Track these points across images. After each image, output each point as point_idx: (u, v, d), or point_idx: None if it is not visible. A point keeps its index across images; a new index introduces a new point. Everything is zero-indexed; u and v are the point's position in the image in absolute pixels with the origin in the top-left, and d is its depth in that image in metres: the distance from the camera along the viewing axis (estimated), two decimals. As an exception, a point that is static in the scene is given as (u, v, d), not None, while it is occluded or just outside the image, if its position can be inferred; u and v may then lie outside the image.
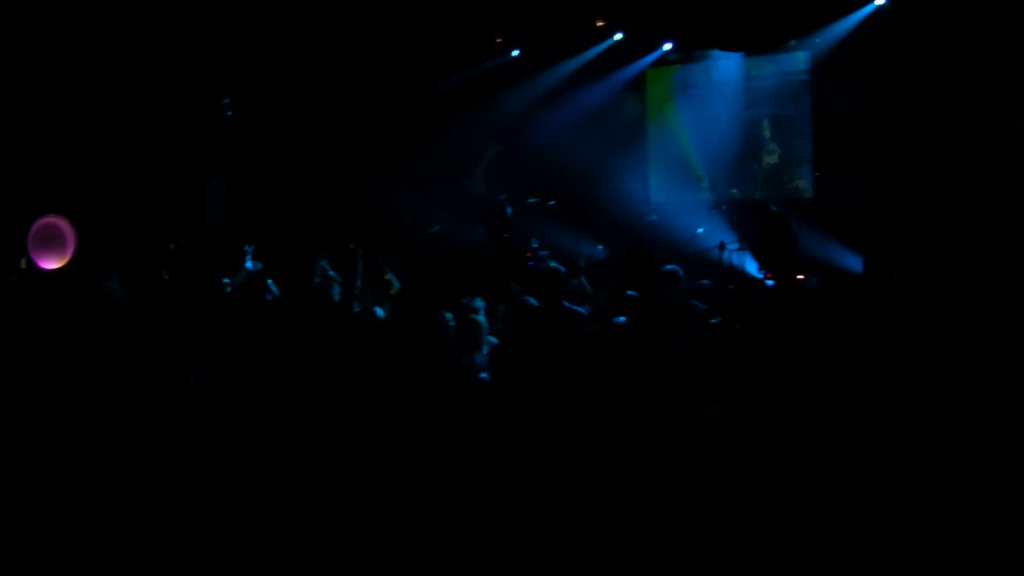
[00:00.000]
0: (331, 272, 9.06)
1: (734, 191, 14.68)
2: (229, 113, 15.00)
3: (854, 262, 12.37)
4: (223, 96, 15.08)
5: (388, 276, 8.78)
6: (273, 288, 8.43)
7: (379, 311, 7.55)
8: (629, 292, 7.11)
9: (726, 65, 14.79)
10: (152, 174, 14.27)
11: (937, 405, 5.38)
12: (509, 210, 14.66)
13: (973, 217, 11.49)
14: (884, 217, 12.37)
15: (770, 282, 11.10)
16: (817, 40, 13.71)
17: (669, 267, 8.51)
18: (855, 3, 13.02)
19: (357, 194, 15.26)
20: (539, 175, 15.64)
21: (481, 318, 6.84)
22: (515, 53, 15.84)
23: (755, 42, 13.64)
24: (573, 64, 15.43)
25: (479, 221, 14.81)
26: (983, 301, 8.54)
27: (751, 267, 12.70)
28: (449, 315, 6.67)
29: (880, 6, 12.84)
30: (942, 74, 12.41)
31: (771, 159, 14.59)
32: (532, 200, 15.04)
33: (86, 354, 6.16)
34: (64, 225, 10.09)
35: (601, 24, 14.99)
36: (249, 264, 10.18)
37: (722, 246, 12.63)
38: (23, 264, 9.52)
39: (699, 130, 15.10)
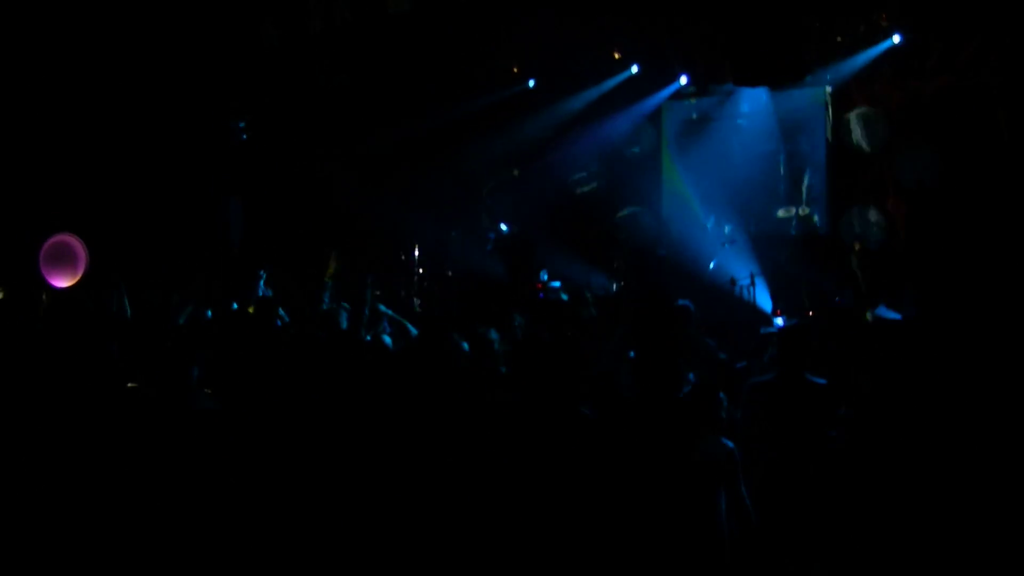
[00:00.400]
0: (346, 303, 9.05)
1: (750, 226, 14.65)
2: (244, 136, 15.06)
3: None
4: (239, 118, 15.15)
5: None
6: (283, 314, 8.42)
7: (388, 340, 7.54)
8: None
9: (742, 99, 14.79)
10: (167, 194, 14.32)
11: (944, 446, 5.34)
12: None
13: (989, 252, 11.44)
14: (897, 253, 12.36)
15: (779, 319, 11.03)
16: (833, 76, 13.74)
17: (681, 302, 8.47)
18: (871, 40, 13.05)
19: (370, 219, 15.29)
20: (552, 205, 15.65)
21: (497, 349, 6.86)
22: (531, 83, 15.86)
23: (771, 77, 13.64)
24: (589, 96, 15.44)
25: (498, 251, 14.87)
26: (996, 339, 8.47)
27: (763, 302, 12.65)
28: (465, 344, 6.70)
29: (896, 44, 12.86)
30: (957, 110, 12.45)
31: (787, 194, 14.56)
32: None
33: (94, 373, 6.13)
34: (76, 243, 10.09)
35: (618, 56, 15.02)
36: (262, 289, 10.19)
37: (732, 282, 12.60)
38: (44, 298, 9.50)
39: (714, 164, 15.05)
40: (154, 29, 12.91)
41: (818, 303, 11.68)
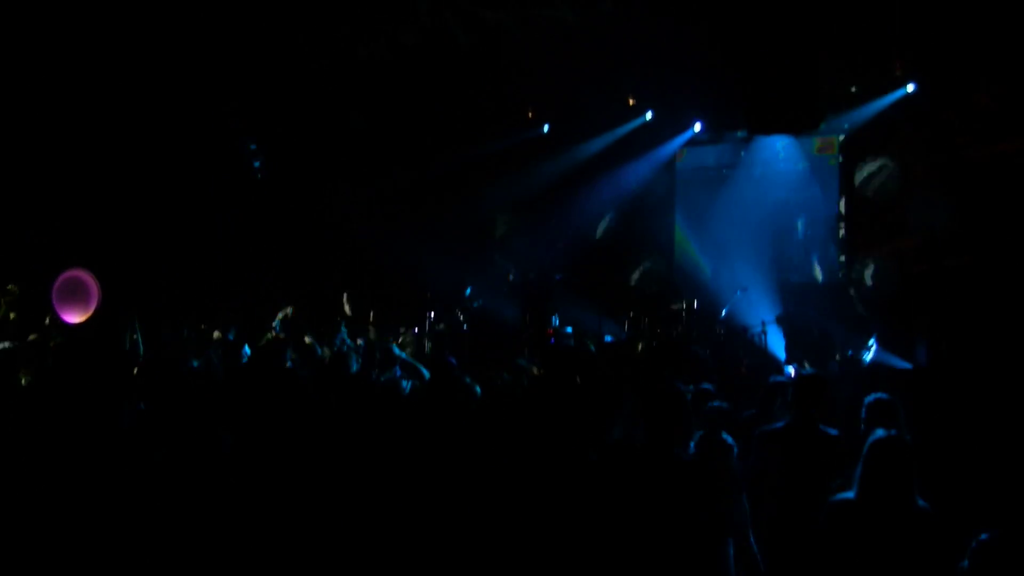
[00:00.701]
0: (350, 341, 9.03)
1: (760, 275, 14.65)
2: (259, 176, 15.16)
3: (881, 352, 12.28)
4: (256, 157, 15.26)
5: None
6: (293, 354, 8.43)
7: (406, 384, 7.53)
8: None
9: (756, 147, 14.83)
10: (183, 230, 14.41)
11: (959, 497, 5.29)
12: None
13: (1000, 302, 11.40)
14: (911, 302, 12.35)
15: (790, 367, 10.98)
16: (848, 124, 13.79)
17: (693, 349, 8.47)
18: (885, 89, 13.10)
19: (384, 258, 15.34)
20: (564, 250, 15.66)
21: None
22: (546, 128, 15.94)
23: (786, 125, 13.70)
24: (603, 141, 15.50)
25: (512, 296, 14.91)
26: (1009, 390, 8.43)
27: (775, 350, 12.61)
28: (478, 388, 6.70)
29: (910, 93, 12.91)
30: (969, 160, 12.49)
31: (799, 241, 14.56)
32: (559, 276, 15.04)
33: (107, 413, 6.12)
34: (88, 279, 10.12)
35: (632, 103, 15.10)
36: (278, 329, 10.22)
37: (745, 330, 12.58)
38: (47, 321, 9.52)
39: (728, 210, 15.08)
40: (171, 69, 13.03)
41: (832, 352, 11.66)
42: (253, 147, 15.09)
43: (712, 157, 15.50)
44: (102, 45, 12.34)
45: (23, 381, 6.99)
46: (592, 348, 11.85)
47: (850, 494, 4.73)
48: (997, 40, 11.66)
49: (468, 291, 14.40)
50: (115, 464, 5.48)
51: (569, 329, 13.74)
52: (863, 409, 6.12)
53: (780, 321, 12.51)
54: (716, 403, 6.23)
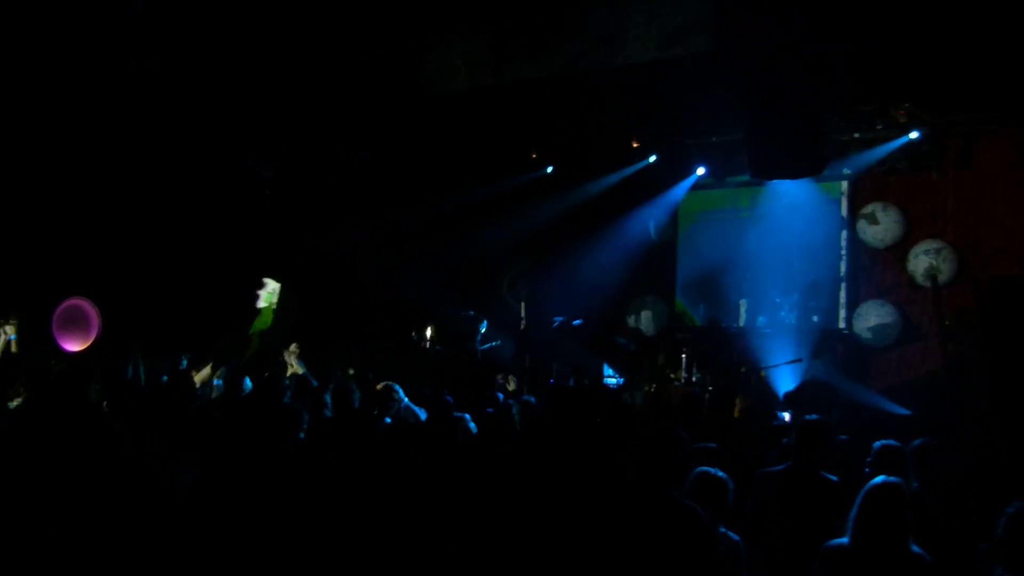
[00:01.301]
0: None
1: (762, 318, 14.63)
2: (268, 191, 15.21)
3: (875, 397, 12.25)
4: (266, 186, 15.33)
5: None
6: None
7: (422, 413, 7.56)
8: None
9: (759, 191, 14.84)
10: (190, 262, 14.44)
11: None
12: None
13: (1004, 348, 11.40)
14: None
15: (784, 414, 10.95)
16: (851, 169, 13.82)
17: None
18: (889, 135, 13.14)
19: (386, 296, 15.35)
20: (566, 293, 15.65)
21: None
22: (549, 169, 15.97)
23: (788, 170, 13.72)
24: (606, 183, 15.52)
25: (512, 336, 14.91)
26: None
27: (776, 394, 12.58)
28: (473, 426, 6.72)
29: (913, 140, 12.94)
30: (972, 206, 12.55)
31: (800, 286, 14.55)
32: (559, 319, 15.02)
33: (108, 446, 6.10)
34: (88, 307, 10.15)
35: (636, 145, 15.14)
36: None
37: (745, 372, 12.58)
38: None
39: (729, 255, 15.07)
40: (172, 101, 13.10)
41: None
42: (266, 174, 15.15)
43: (715, 200, 15.51)
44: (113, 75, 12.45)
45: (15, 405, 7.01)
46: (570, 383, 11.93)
47: (844, 540, 4.72)
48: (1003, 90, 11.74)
49: (483, 329, 14.36)
50: (115, 497, 5.46)
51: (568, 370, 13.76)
52: (871, 455, 6.13)
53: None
54: (703, 444, 6.25)
